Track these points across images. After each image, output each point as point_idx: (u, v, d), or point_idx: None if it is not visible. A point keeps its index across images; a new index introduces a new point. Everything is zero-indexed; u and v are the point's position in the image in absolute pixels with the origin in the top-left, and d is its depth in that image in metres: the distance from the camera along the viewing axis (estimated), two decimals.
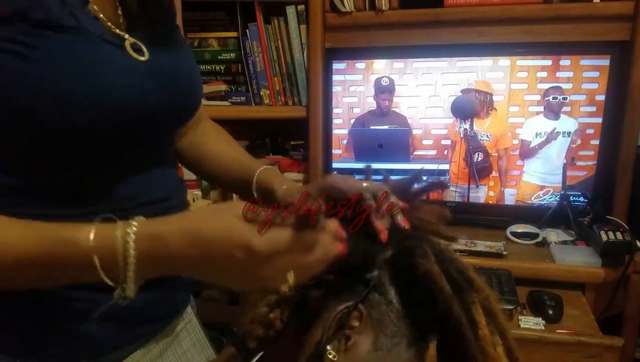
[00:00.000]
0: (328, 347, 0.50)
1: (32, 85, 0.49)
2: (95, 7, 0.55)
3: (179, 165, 0.82)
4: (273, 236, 0.46)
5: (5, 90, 0.49)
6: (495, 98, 1.50)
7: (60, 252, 0.46)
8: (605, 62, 1.40)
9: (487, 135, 1.53)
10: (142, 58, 0.58)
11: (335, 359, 0.50)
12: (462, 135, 1.53)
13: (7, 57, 0.48)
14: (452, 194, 1.58)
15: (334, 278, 0.54)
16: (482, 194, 1.57)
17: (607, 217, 1.39)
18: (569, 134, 1.47)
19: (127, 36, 0.58)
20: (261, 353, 0.59)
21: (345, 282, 0.54)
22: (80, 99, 0.51)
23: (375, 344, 0.51)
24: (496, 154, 1.53)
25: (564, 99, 1.45)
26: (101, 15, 0.56)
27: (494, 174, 1.54)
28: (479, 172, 1.54)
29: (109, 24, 0.56)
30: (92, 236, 0.45)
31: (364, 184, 0.58)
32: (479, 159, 1.54)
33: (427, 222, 0.58)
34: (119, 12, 0.59)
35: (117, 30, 0.57)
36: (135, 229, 0.45)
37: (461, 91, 1.51)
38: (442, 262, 0.52)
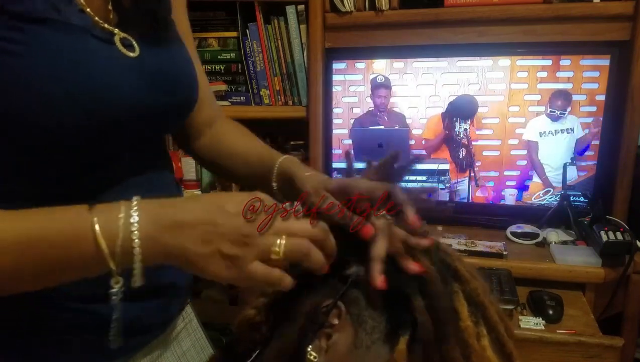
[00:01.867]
0: (308, 349, 0.49)
1: (13, 81, 0.47)
2: (82, 0, 0.53)
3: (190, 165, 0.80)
4: (247, 197, 0.46)
5: None
6: (495, 98, 1.50)
7: (58, 226, 0.44)
8: (605, 62, 1.40)
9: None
10: (132, 54, 0.55)
11: (316, 360, 0.49)
12: (461, 136, 1.53)
13: None
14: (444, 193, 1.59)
15: (312, 276, 0.51)
16: (465, 187, 1.57)
17: (607, 217, 1.39)
18: (572, 130, 1.46)
19: (116, 31, 0.55)
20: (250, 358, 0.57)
21: (322, 279, 0.51)
22: (63, 96, 0.49)
23: (355, 341, 0.50)
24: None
25: (562, 113, 1.45)
26: (88, 10, 0.53)
27: (494, 173, 1.55)
28: (463, 166, 1.56)
29: (97, 18, 0.54)
30: (89, 207, 0.45)
31: (373, 184, 0.56)
32: (463, 154, 1.55)
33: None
34: (110, 7, 0.57)
35: (106, 25, 0.55)
36: (136, 200, 0.45)
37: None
38: (426, 253, 0.51)
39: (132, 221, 0.43)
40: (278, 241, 0.45)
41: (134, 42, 0.56)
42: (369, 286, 0.50)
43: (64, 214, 0.45)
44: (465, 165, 1.56)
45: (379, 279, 0.49)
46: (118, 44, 0.55)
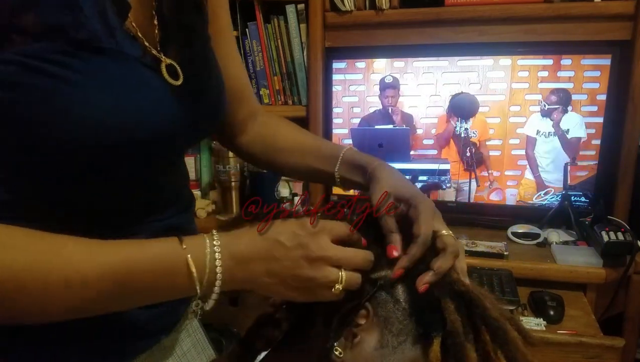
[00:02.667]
0: (335, 344, 0.51)
1: (63, 107, 0.47)
2: (133, 23, 0.53)
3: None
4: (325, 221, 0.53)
5: (32, 109, 0.46)
6: (496, 98, 1.50)
7: (152, 259, 0.48)
8: (606, 61, 1.40)
9: (473, 132, 1.53)
10: (176, 82, 0.56)
11: (342, 356, 0.51)
12: (462, 135, 1.53)
13: (39, 76, 0.45)
14: (451, 193, 1.58)
15: None
16: (473, 187, 1.57)
17: (609, 217, 1.38)
18: (567, 131, 1.46)
19: (163, 57, 0.56)
20: (266, 352, 0.59)
21: None
22: (111, 125, 0.50)
23: (381, 341, 0.52)
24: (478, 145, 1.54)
25: (545, 105, 1.44)
26: (139, 34, 0.54)
27: (497, 174, 1.54)
28: (472, 165, 1.55)
29: (146, 43, 0.55)
30: (181, 242, 0.49)
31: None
32: (470, 153, 1.56)
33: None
34: (155, 21, 0.57)
35: (154, 51, 0.55)
36: (216, 233, 0.51)
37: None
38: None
39: (216, 256, 0.50)
40: (340, 276, 0.51)
41: (177, 68, 0.57)
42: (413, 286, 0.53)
43: (158, 249, 0.49)
44: (472, 165, 1.55)
45: (422, 287, 0.53)
46: (164, 71, 0.55)
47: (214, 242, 0.50)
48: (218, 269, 0.49)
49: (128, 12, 0.53)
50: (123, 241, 0.48)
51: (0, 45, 0.44)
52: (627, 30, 1.36)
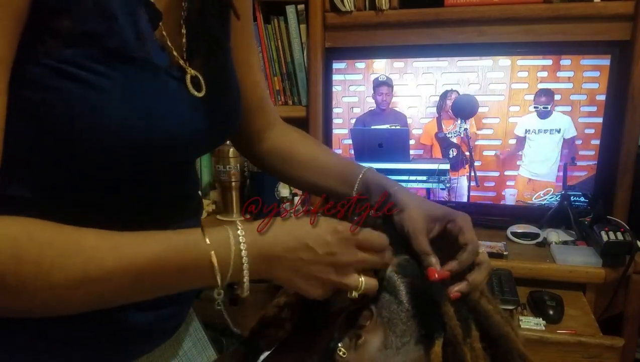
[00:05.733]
0: (339, 345, 0.52)
1: (89, 113, 0.47)
2: (164, 32, 0.54)
3: None
4: (354, 227, 0.53)
5: (59, 111, 0.46)
6: (495, 98, 1.50)
7: (176, 254, 0.49)
8: (605, 61, 1.40)
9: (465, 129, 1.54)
10: (199, 94, 0.57)
11: (345, 356, 0.52)
12: (461, 135, 1.53)
13: (69, 81, 0.46)
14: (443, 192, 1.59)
15: None
16: (464, 184, 1.57)
17: (608, 217, 1.39)
18: (558, 130, 1.47)
19: (188, 69, 0.56)
20: (269, 352, 0.60)
21: None
22: (136, 134, 0.50)
23: (384, 342, 0.52)
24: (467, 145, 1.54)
25: (545, 108, 1.45)
26: (168, 43, 0.55)
27: (494, 173, 1.54)
28: (456, 165, 1.57)
29: (175, 53, 0.55)
30: (206, 236, 0.50)
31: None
32: (454, 154, 1.56)
33: None
34: (183, 30, 0.58)
35: (181, 62, 0.56)
36: (241, 226, 0.51)
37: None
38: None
39: (242, 254, 0.50)
40: (360, 283, 0.53)
41: (201, 80, 0.58)
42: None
43: (181, 243, 0.50)
44: (458, 164, 1.56)
45: (454, 295, 0.55)
46: (189, 83, 0.56)
47: (240, 239, 0.50)
48: (245, 267, 0.50)
49: (160, 20, 0.53)
50: (145, 234, 0.49)
51: (34, 47, 0.45)
52: (627, 30, 1.37)
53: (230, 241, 0.50)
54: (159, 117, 0.52)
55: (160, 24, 0.54)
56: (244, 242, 0.50)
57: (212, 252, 0.49)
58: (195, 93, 0.57)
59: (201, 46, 0.59)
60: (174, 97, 0.54)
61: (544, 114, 1.46)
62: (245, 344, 0.63)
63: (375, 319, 0.53)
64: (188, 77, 0.56)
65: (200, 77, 0.58)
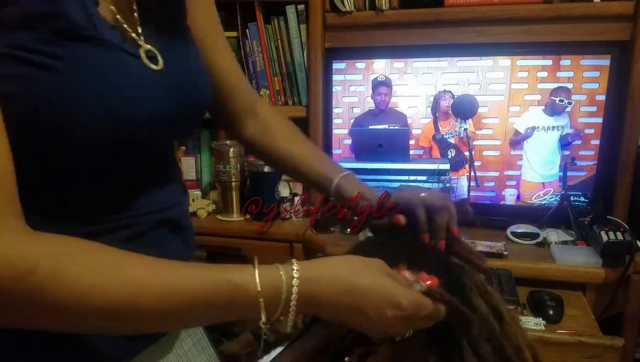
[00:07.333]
0: (346, 360, 0.55)
1: (55, 98, 0.47)
2: (113, 7, 0.54)
3: None
4: (419, 299, 0.53)
5: (28, 102, 0.47)
6: (495, 98, 1.50)
7: (224, 294, 0.49)
8: (605, 61, 1.40)
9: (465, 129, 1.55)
10: (156, 67, 0.57)
11: None
12: (462, 136, 1.53)
13: (30, 68, 0.46)
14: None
15: None
16: (464, 184, 1.58)
17: (608, 217, 1.39)
18: (560, 127, 1.47)
19: (142, 42, 0.56)
20: (281, 349, 0.60)
21: None
22: (95, 112, 0.50)
23: None
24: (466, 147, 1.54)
25: (570, 103, 1.45)
26: (120, 18, 0.55)
27: (494, 173, 1.55)
28: (455, 165, 1.57)
29: (125, 25, 0.55)
30: (257, 280, 0.49)
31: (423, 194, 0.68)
32: (453, 154, 1.56)
33: (467, 252, 0.68)
34: (134, 6, 0.57)
35: (133, 35, 0.56)
36: (298, 274, 0.51)
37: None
38: (483, 294, 0.57)
39: (291, 305, 0.50)
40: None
41: (157, 54, 0.57)
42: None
43: (231, 287, 0.49)
44: (457, 164, 1.56)
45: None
46: (143, 57, 0.56)
47: (292, 289, 0.50)
48: (291, 316, 0.51)
49: None
50: (193, 268, 0.49)
51: None
52: (627, 30, 1.37)
53: (282, 290, 0.50)
54: (116, 93, 0.52)
55: (110, 0, 0.54)
56: (295, 293, 0.50)
57: (261, 299, 0.49)
58: (153, 66, 0.56)
59: (155, 23, 0.59)
60: (129, 72, 0.54)
61: (559, 109, 1.46)
62: (255, 335, 0.64)
63: (385, 343, 0.54)
64: (142, 50, 0.56)
65: (157, 52, 0.57)
